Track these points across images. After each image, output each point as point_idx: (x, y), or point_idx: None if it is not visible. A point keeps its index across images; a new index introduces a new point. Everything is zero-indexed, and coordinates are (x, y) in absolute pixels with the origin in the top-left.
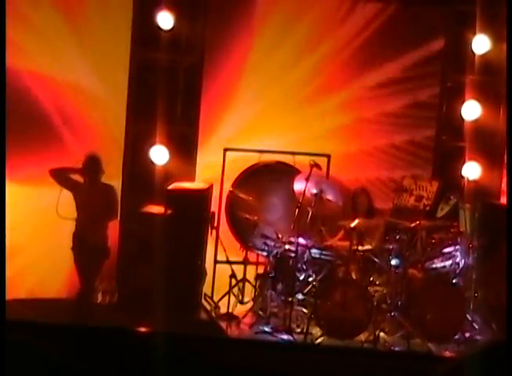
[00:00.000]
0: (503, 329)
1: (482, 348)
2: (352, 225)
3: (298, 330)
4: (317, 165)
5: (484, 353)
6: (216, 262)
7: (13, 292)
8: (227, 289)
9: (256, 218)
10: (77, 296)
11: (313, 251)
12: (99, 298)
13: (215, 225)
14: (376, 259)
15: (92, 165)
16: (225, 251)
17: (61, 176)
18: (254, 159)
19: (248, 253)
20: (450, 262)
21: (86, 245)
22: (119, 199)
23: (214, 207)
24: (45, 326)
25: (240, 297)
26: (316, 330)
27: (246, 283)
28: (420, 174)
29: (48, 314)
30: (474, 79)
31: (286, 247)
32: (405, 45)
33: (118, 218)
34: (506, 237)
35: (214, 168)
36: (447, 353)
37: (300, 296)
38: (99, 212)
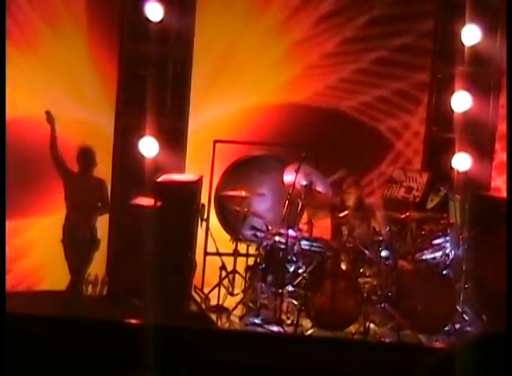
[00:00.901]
0: (493, 320)
1: (472, 340)
2: (341, 215)
3: (288, 321)
4: (307, 157)
5: (474, 345)
6: (206, 253)
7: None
8: (217, 281)
9: (246, 209)
10: (68, 288)
11: (303, 242)
12: (89, 290)
13: (205, 216)
14: (366, 251)
15: (85, 157)
16: (215, 242)
17: (58, 160)
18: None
19: (238, 245)
20: (440, 253)
21: (76, 237)
22: (109, 192)
23: (203, 199)
24: (37, 317)
25: (230, 289)
26: (306, 322)
27: (237, 275)
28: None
29: (39, 306)
30: (463, 70)
31: (276, 238)
32: None
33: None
34: (507, 237)
35: (204, 159)
36: (437, 345)
37: (290, 288)
38: (90, 205)
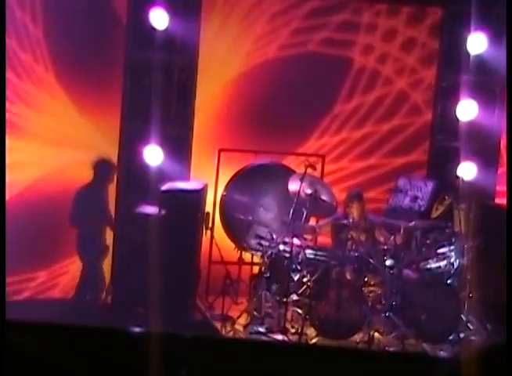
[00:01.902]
0: (498, 329)
1: (480, 350)
2: (345, 222)
3: (293, 330)
4: (312, 166)
5: (481, 355)
6: (211, 262)
7: None
8: (221, 289)
9: (250, 218)
10: (76, 295)
11: (308, 251)
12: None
13: (210, 225)
14: (370, 260)
15: (105, 171)
16: (219, 251)
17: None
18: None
19: (243, 253)
20: (445, 262)
21: (91, 246)
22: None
23: (208, 208)
24: (40, 326)
25: (235, 297)
26: (311, 331)
27: (241, 284)
28: None
29: (48, 315)
30: (469, 79)
31: (281, 247)
32: None
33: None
34: (507, 237)
35: (209, 168)
36: (442, 354)
37: (294, 297)
38: (104, 215)
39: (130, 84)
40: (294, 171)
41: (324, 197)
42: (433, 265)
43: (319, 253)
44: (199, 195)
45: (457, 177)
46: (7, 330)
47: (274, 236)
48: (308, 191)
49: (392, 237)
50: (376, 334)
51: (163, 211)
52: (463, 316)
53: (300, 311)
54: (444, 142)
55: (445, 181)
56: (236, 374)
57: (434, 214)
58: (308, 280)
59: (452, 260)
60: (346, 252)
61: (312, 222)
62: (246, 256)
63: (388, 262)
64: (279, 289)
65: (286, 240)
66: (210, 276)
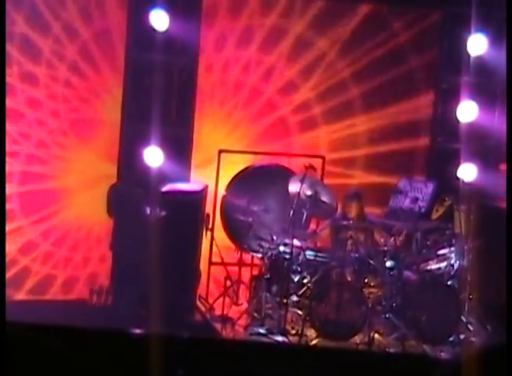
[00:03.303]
0: (498, 330)
1: (480, 352)
2: (344, 223)
3: (293, 331)
4: (312, 167)
5: (482, 357)
6: (211, 263)
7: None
8: (222, 291)
9: (251, 219)
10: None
11: (308, 252)
12: (94, 299)
13: (210, 226)
14: (371, 261)
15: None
16: (219, 252)
17: None
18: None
19: (243, 254)
20: (445, 263)
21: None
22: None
23: (208, 209)
24: (40, 326)
25: (235, 298)
26: (311, 332)
27: (241, 285)
28: None
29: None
30: (469, 80)
31: (281, 248)
32: None
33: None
34: (507, 237)
35: (209, 169)
36: (442, 355)
37: (295, 298)
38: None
39: (130, 85)
40: (294, 173)
41: (324, 199)
42: (433, 266)
43: (319, 254)
44: (199, 196)
45: (457, 178)
46: (7, 331)
47: (274, 238)
48: (309, 192)
49: (392, 238)
50: (376, 336)
51: (163, 213)
52: (463, 317)
53: (300, 312)
54: (444, 144)
55: (446, 182)
56: (236, 375)
57: (435, 215)
58: (309, 282)
59: (452, 261)
60: (346, 253)
61: (312, 222)
62: (247, 257)
63: (388, 264)
64: (280, 290)
65: (287, 241)
66: (211, 278)
